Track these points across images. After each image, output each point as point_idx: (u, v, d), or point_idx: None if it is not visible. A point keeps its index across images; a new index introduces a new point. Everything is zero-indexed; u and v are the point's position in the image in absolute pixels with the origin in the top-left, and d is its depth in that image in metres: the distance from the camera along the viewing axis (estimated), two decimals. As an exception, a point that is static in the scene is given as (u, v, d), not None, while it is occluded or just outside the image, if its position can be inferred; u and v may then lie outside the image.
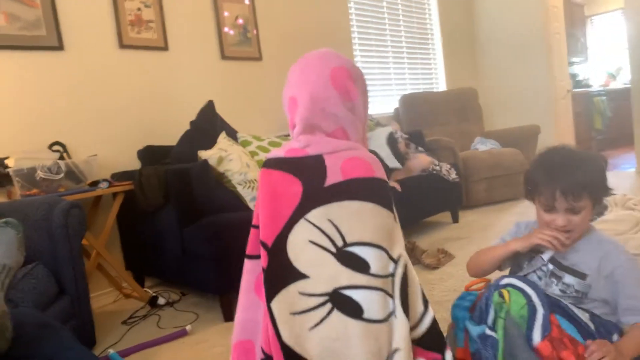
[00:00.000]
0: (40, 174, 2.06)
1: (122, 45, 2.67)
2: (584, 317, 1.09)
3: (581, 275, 1.13)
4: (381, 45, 4.41)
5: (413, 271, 0.93)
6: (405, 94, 4.35)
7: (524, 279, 1.11)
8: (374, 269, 0.85)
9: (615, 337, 1.08)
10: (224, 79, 3.17)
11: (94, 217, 2.42)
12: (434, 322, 0.90)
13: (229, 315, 2.06)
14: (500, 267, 1.29)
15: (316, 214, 0.87)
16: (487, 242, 2.76)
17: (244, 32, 3.26)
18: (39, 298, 1.48)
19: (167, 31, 2.87)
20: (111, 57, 2.64)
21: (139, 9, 2.73)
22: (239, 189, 2.28)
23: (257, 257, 0.95)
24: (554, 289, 1.17)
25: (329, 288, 0.84)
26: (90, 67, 2.56)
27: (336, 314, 0.83)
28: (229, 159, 2.32)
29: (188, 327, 1.98)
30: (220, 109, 2.91)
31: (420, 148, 3.29)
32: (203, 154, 2.33)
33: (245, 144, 2.70)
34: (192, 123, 2.63)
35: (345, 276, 0.84)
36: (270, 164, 0.95)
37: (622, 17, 7.16)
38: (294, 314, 0.84)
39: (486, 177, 3.81)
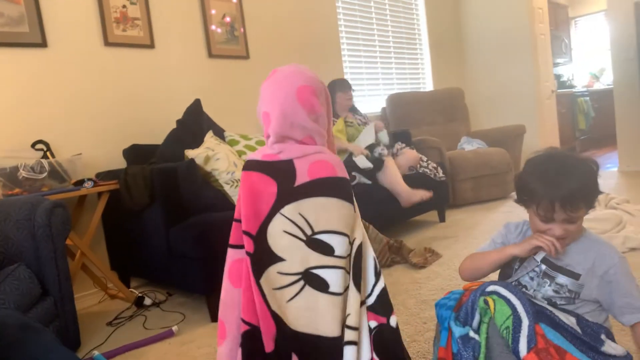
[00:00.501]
0: (22, 173, 2.03)
1: (108, 43, 2.64)
2: (570, 321, 1.09)
3: (575, 275, 1.13)
4: (369, 45, 4.42)
5: (369, 249, 1.11)
6: (393, 94, 4.37)
7: (509, 286, 1.09)
8: (337, 252, 1.04)
9: (602, 336, 1.08)
10: (211, 77, 3.15)
11: (78, 216, 2.39)
12: (384, 291, 1.07)
13: (215, 316, 2.04)
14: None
15: (289, 209, 1.05)
16: (474, 240, 2.80)
17: (231, 30, 3.24)
18: (21, 299, 1.46)
19: (153, 29, 2.84)
20: (96, 55, 2.61)
21: (124, 6, 2.70)
22: (226, 188, 2.27)
23: (239, 246, 1.09)
24: (547, 290, 1.16)
25: (301, 268, 1.03)
26: (75, 64, 2.52)
27: (308, 289, 1.03)
28: (215, 158, 2.30)
29: (175, 328, 1.97)
30: (207, 108, 2.89)
31: (404, 145, 3.31)
32: (190, 153, 2.31)
33: (232, 142, 2.68)
34: (178, 122, 2.61)
35: (314, 258, 1.03)
36: (250, 166, 1.11)
37: (605, 19, 7.30)
38: (275, 289, 1.03)
39: (472, 177, 3.85)
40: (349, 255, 1.05)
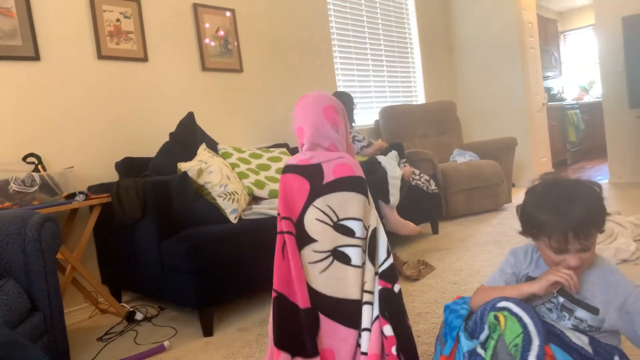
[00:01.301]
0: (13, 187, 2.01)
1: (101, 56, 2.64)
2: (582, 341, 1.06)
3: (593, 310, 1.09)
4: (361, 59, 4.46)
5: (382, 233, 1.37)
6: (385, 107, 4.41)
7: (522, 304, 1.06)
8: (357, 234, 1.33)
9: (616, 358, 1.05)
10: (205, 90, 3.16)
11: (69, 230, 2.37)
12: (392, 265, 1.35)
13: (208, 330, 2.03)
14: None
15: (319, 202, 1.35)
16: (467, 252, 2.80)
17: (225, 43, 3.26)
18: (10, 315, 1.43)
19: (147, 42, 2.85)
20: (89, 68, 2.61)
21: (118, 20, 2.71)
22: (219, 201, 2.26)
23: (281, 232, 1.36)
24: (567, 323, 1.12)
25: (330, 247, 1.33)
26: (68, 77, 2.52)
27: (335, 262, 1.32)
28: (209, 170, 2.30)
29: (166, 343, 1.94)
30: (200, 121, 2.89)
31: (404, 160, 3.32)
32: (183, 166, 2.31)
33: (225, 155, 2.68)
34: (171, 135, 2.60)
35: (339, 239, 1.33)
36: (288, 169, 1.42)
37: (594, 33, 7.43)
38: (310, 263, 1.33)
39: (465, 189, 3.86)
40: (366, 237, 1.35)
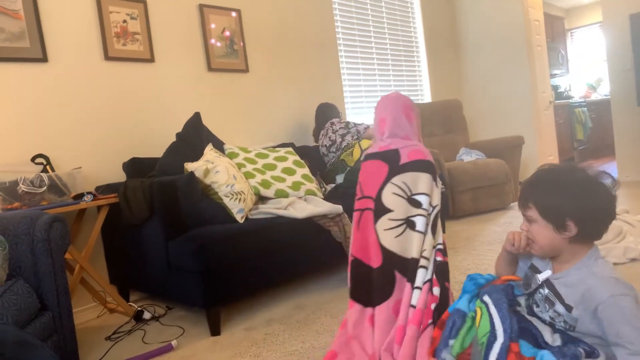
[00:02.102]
0: (22, 188, 2.03)
1: (108, 57, 2.66)
2: (555, 341, 1.10)
3: (568, 307, 1.12)
4: (367, 58, 4.46)
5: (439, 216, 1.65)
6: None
7: (500, 303, 1.14)
8: (423, 206, 1.61)
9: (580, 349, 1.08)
10: (211, 90, 3.17)
11: (77, 230, 2.39)
12: (445, 244, 1.63)
13: (215, 330, 2.03)
14: (514, 272, 1.35)
15: (396, 179, 1.64)
16: (474, 252, 2.79)
17: (231, 44, 3.27)
18: (19, 314, 1.45)
19: (153, 43, 2.86)
20: (96, 69, 2.63)
21: (124, 21, 2.73)
22: (226, 201, 2.26)
23: (358, 209, 1.67)
24: (545, 316, 1.16)
25: (404, 216, 1.60)
26: (75, 79, 2.54)
27: (407, 229, 1.58)
28: (215, 170, 2.31)
29: (174, 342, 1.95)
30: (206, 121, 2.91)
31: None
32: (189, 166, 2.32)
33: (232, 155, 2.69)
34: (178, 135, 2.61)
35: (411, 210, 1.60)
36: (368, 157, 1.73)
37: (601, 30, 7.37)
38: (386, 230, 1.59)
39: (471, 188, 3.85)
40: (430, 213, 1.61)
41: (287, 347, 1.82)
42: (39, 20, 2.40)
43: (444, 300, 1.50)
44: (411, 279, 1.52)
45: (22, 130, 2.34)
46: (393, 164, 1.65)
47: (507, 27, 5.16)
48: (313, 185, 2.76)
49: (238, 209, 2.27)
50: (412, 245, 1.56)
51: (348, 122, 3.30)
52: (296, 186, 2.67)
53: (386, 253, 1.56)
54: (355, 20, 4.34)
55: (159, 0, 2.91)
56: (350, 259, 1.64)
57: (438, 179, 1.68)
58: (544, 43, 5.54)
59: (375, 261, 1.58)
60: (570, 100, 6.98)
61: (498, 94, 5.31)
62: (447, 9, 5.48)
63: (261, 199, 2.58)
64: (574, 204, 1.09)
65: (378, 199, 1.63)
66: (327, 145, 3.27)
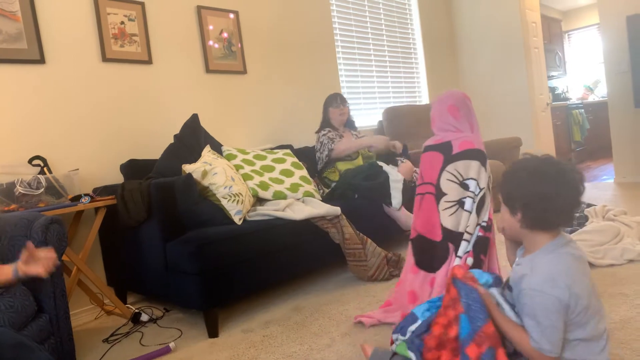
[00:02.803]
0: (19, 189, 2.02)
1: (105, 59, 2.65)
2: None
3: (509, 287, 1.22)
4: (365, 60, 4.46)
5: (489, 197, 1.90)
6: (389, 107, 4.40)
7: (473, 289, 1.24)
8: (471, 188, 1.87)
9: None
10: (209, 92, 3.17)
11: (75, 232, 2.38)
12: (490, 221, 1.87)
13: (213, 332, 2.03)
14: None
15: (450, 167, 1.90)
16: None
17: (229, 45, 3.27)
18: (16, 317, 1.44)
19: (151, 45, 2.86)
20: (94, 71, 2.62)
21: (122, 23, 2.72)
22: (224, 202, 2.26)
23: (420, 193, 1.97)
24: (497, 290, 1.26)
25: (456, 198, 1.88)
26: (73, 80, 2.53)
27: (459, 209, 1.87)
28: (213, 172, 2.30)
29: (172, 344, 1.95)
30: (204, 123, 2.90)
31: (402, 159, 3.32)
32: (187, 168, 2.31)
33: (230, 157, 2.69)
34: (176, 137, 2.61)
35: (463, 193, 1.87)
36: (427, 149, 2.00)
37: (598, 32, 7.40)
38: (443, 210, 1.88)
39: (470, 189, 3.84)
40: (477, 195, 1.86)
41: (285, 349, 1.81)
42: (37, 21, 2.39)
43: (476, 263, 1.83)
44: (456, 249, 1.84)
45: (19, 131, 2.34)
46: (447, 154, 1.93)
47: (504, 29, 5.18)
48: (311, 187, 2.76)
49: (236, 211, 2.27)
50: (461, 222, 1.85)
51: (323, 141, 3.19)
52: (294, 188, 2.67)
53: (444, 229, 1.87)
54: (353, 22, 4.35)
55: (156, 2, 2.91)
56: (413, 235, 1.97)
57: (487, 165, 1.92)
58: (541, 45, 5.56)
59: (437, 236, 1.89)
60: (568, 102, 7.00)
61: (495, 95, 5.32)
62: (444, 11, 5.49)
63: (259, 201, 2.58)
64: (520, 188, 1.16)
65: (437, 185, 1.93)
66: (317, 147, 3.28)
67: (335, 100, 3.31)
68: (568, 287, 1.07)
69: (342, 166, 3.16)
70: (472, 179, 1.87)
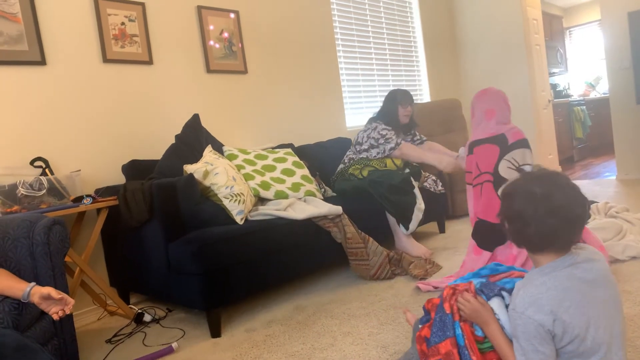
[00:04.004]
0: (21, 191, 2.03)
1: (106, 60, 2.66)
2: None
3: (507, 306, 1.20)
4: (366, 58, 4.46)
5: None
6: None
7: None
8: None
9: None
10: (210, 92, 3.17)
11: (77, 233, 2.38)
12: None
13: (216, 332, 2.03)
14: None
15: (508, 156, 2.13)
16: (474, 251, 2.77)
17: (229, 45, 3.27)
18: (19, 318, 1.45)
19: (151, 45, 2.86)
20: (95, 72, 2.62)
21: (123, 24, 2.73)
22: (225, 202, 2.26)
23: (479, 184, 2.21)
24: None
25: None
26: (74, 81, 2.54)
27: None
28: (215, 172, 2.31)
29: (174, 345, 1.95)
30: (205, 123, 2.90)
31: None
32: (189, 168, 2.32)
33: (231, 157, 2.69)
34: (177, 137, 2.61)
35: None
36: (479, 142, 2.23)
37: (599, 29, 7.37)
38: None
39: (471, 187, 3.84)
40: None
41: (287, 348, 1.82)
42: (37, 23, 2.40)
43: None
44: None
45: (21, 133, 2.34)
46: (503, 145, 2.16)
47: (505, 26, 5.16)
48: (312, 186, 2.75)
49: (238, 211, 2.27)
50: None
51: (385, 135, 2.98)
52: (296, 187, 2.67)
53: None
54: (353, 21, 4.34)
55: (157, 2, 2.91)
56: (474, 220, 2.23)
57: (530, 147, 2.22)
58: (542, 42, 5.54)
59: (494, 218, 2.06)
60: (569, 99, 6.98)
61: (497, 93, 5.30)
62: (445, 9, 5.48)
63: (261, 201, 2.58)
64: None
65: (496, 173, 2.15)
66: (359, 141, 3.07)
67: (405, 99, 3.08)
68: (553, 313, 1.01)
69: (376, 163, 2.98)
70: (528, 164, 2.15)
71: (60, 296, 1.40)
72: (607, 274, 1.09)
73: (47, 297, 1.41)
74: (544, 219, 1.03)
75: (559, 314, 1.01)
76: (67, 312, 1.40)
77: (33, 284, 1.45)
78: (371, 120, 3.13)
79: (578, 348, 1.02)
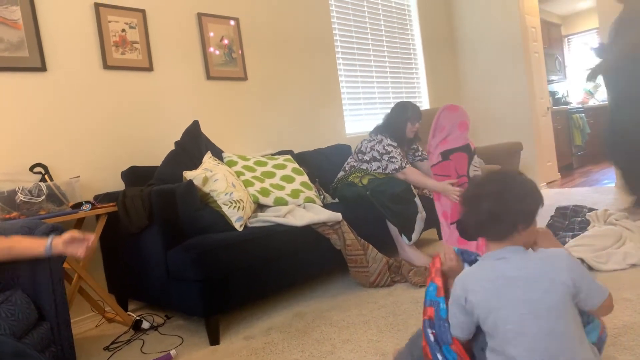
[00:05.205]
0: (20, 197, 2.02)
1: (107, 66, 2.66)
2: None
3: None
4: (365, 65, 4.47)
5: None
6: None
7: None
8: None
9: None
10: (210, 99, 3.18)
11: (76, 239, 2.37)
12: None
13: (214, 339, 2.02)
14: None
15: (473, 162, 2.62)
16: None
17: (229, 52, 3.28)
18: (17, 325, 1.44)
19: (152, 52, 2.87)
20: (95, 78, 2.63)
21: (123, 30, 2.74)
22: (225, 209, 2.26)
23: (461, 185, 2.63)
24: None
25: None
26: (74, 88, 2.54)
27: None
28: (214, 179, 2.30)
29: (173, 352, 1.94)
30: (205, 129, 2.91)
31: None
32: (188, 175, 2.32)
33: (231, 163, 2.69)
34: (177, 143, 2.61)
35: None
36: (455, 150, 2.61)
37: (597, 37, 7.40)
38: None
39: (471, 194, 3.84)
40: None
41: (286, 356, 1.81)
42: (38, 29, 2.41)
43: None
44: None
45: (20, 139, 2.34)
46: (469, 152, 2.61)
47: (504, 34, 5.19)
48: (312, 193, 2.75)
49: (237, 217, 2.26)
50: None
51: (390, 152, 2.90)
52: (295, 194, 2.66)
53: None
54: (353, 28, 4.36)
55: (157, 9, 2.92)
56: (456, 218, 2.59)
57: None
58: (541, 49, 5.57)
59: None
60: (568, 106, 7.01)
61: (496, 100, 5.33)
62: (444, 16, 5.51)
63: (260, 207, 2.58)
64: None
65: (468, 175, 2.59)
66: (362, 150, 3.01)
67: (416, 116, 3.02)
68: (465, 292, 1.17)
69: (376, 172, 2.94)
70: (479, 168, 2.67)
71: (82, 236, 1.58)
72: (546, 280, 1.10)
73: (70, 241, 1.55)
74: (477, 210, 1.19)
75: (468, 294, 1.16)
76: (90, 244, 1.58)
77: (51, 236, 1.57)
78: (377, 131, 3.05)
79: (490, 330, 1.13)
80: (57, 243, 1.55)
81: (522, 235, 1.18)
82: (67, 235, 1.55)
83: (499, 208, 1.16)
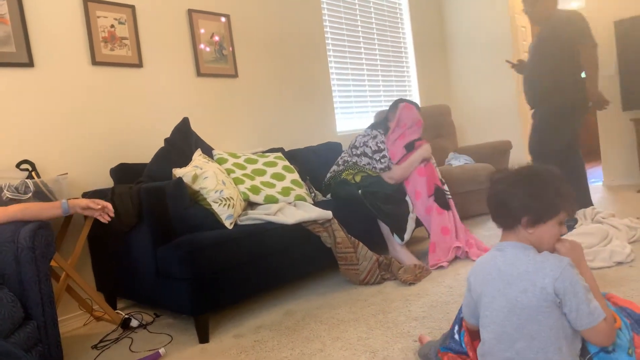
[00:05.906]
0: (7, 194, 1.99)
1: (95, 62, 2.64)
2: None
3: None
4: (356, 63, 4.48)
5: None
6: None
7: None
8: None
9: None
10: (200, 96, 3.16)
11: (64, 237, 2.35)
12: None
13: (204, 337, 2.02)
14: None
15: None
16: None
17: (220, 49, 3.27)
18: (3, 324, 1.42)
19: (141, 48, 2.85)
20: (83, 74, 2.60)
21: (112, 26, 2.71)
22: (215, 206, 2.25)
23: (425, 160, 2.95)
24: None
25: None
26: (62, 84, 2.51)
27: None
28: (204, 176, 2.29)
29: (162, 350, 1.93)
30: (195, 126, 2.89)
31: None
32: (178, 172, 2.30)
33: (221, 161, 2.68)
34: (166, 140, 2.60)
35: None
36: (417, 140, 3.00)
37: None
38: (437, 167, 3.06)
39: (460, 192, 3.87)
40: None
41: (276, 353, 1.81)
42: (25, 24, 2.37)
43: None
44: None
45: (7, 135, 2.31)
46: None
47: (494, 33, 5.22)
48: (302, 191, 2.75)
49: (227, 215, 2.26)
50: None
51: (381, 151, 2.91)
52: (286, 192, 2.66)
53: (440, 181, 2.98)
54: (344, 26, 4.36)
55: (147, 5, 2.90)
56: (433, 189, 2.85)
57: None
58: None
59: (441, 185, 2.97)
60: (557, 106, 7.05)
61: (486, 99, 5.37)
62: (435, 15, 5.53)
63: (250, 205, 2.57)
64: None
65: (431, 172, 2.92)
66: (355, 145, 3.01)
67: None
68: (471, 272, 1.29)
69: (368, 169, 2.96)
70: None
71: (99, 206, 1.78)
72: (526, 281, 1.12)
73: (87, 208, 1.74)
74: (493, 190, 1.27)
75: (470, 276, 1.28)
76: (111, 214, 1.83)
77: (65, 199, 1.74)
78: (372, 127, 3.07)
79: (479, 312, 1.23)
80: (73, 204, 1.71)
81: (528, 232, 1.18)
82: (83, 203, 1.72)
83: (508, 196, 1.20)
